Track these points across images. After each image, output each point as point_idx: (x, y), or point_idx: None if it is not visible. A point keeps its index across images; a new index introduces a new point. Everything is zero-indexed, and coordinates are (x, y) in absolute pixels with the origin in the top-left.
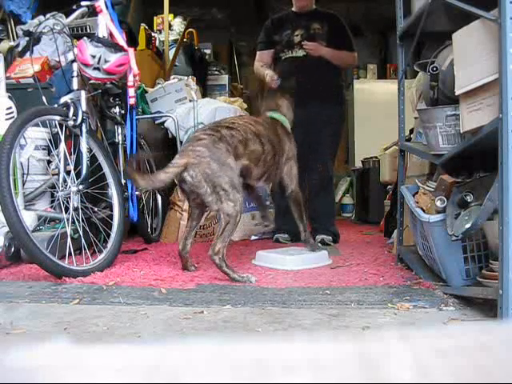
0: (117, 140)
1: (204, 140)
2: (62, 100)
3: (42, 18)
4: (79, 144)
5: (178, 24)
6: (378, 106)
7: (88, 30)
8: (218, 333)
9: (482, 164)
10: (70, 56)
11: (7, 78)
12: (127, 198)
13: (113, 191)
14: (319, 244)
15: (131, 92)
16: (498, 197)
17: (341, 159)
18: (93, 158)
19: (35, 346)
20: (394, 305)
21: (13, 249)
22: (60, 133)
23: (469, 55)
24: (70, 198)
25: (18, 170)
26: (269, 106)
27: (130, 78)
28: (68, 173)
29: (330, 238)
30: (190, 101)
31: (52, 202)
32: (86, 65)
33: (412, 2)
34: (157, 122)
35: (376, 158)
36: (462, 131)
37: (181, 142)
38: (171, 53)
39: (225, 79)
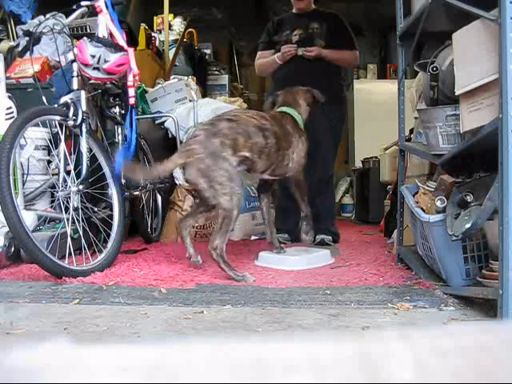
0: (117, 140)
1: (199, 136)
2: (62, 100)
3: (42, 17)
4: (79, 144)
5: (178, 24)
6: (378, 106)
7: (88, 30)
8: (217, 333)
9: (482, 164)
10: (70, 56)
11: (7, 77)
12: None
13: (113, 191)
14: (319, 244)
15: (131, 92)
16: (498, 197)
17: (341, 159)
18: (93, 158)
19: (35, 346)
20: (394, 305)
21: (13, 249)
22: (60, 133)
23: (469, 55)
24: (69, 197)
25: (18, 169)
26: (286, 100)
27: (130, 77)
28: (68, 173)
29: (330, 237)
30: (190, 101)
31: (52, 202)
32: (86, 65)
33: (412, 1)
34: (157, 122)
35: (376, 157)
36: (461, 131)
37: (181, 142)
38: (171, 53)
39: (225, 79)
